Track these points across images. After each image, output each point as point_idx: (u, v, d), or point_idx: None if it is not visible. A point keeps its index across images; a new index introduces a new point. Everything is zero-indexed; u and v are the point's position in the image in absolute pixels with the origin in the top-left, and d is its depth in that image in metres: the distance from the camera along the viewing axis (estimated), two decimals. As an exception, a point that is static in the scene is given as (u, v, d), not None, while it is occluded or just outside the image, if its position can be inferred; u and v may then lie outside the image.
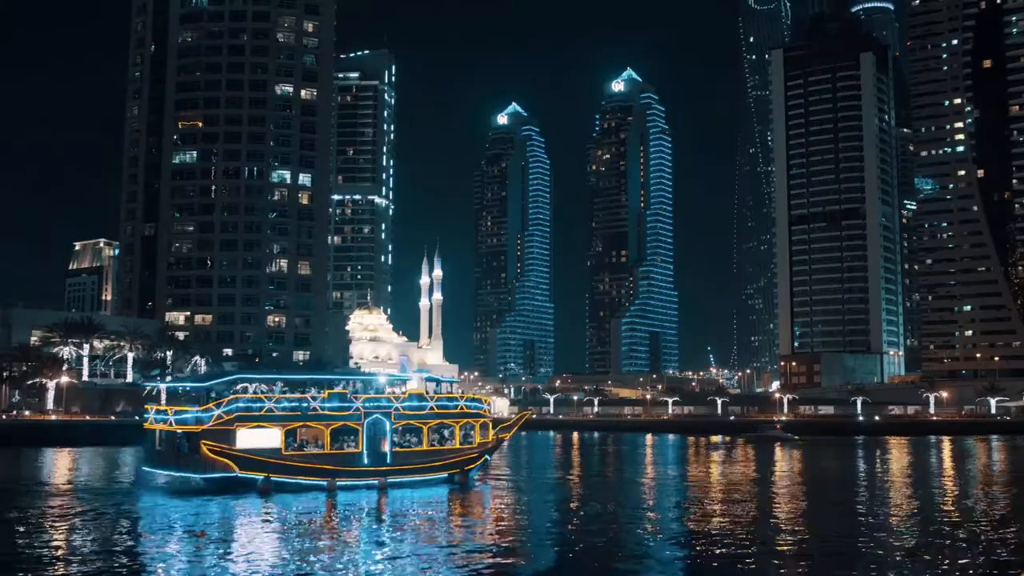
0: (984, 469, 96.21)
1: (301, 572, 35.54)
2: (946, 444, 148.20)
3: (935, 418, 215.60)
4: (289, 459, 59.89)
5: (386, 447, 63.28)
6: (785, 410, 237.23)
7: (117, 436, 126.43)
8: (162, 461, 62.55)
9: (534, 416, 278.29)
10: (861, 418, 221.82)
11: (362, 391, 66.33)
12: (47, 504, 55.74)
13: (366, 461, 62.37)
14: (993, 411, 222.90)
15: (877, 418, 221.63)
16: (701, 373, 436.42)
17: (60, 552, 39.51)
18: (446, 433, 66.58)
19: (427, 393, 69.34)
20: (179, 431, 60.55)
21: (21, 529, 45.76)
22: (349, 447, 62.16)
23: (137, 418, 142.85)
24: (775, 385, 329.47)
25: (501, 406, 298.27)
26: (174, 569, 36.92)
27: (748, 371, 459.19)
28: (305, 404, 62.18)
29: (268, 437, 59.91)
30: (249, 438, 59.41)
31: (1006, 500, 64.42)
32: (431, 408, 66.26)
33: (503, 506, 57.77)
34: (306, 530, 46.48)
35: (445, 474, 65.78)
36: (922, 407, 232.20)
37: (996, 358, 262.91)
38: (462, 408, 68.39)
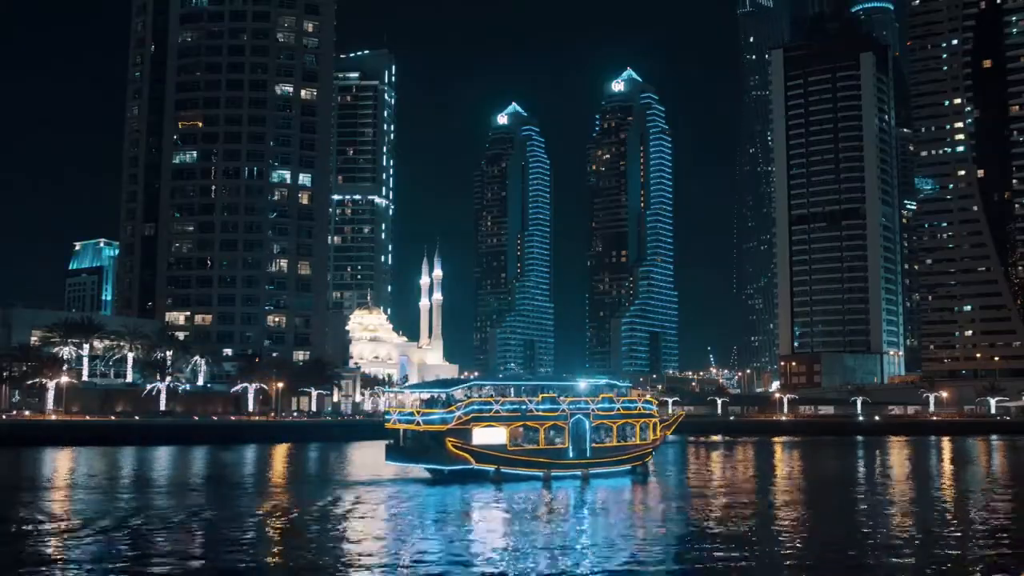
0: (984, 469, 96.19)
1: (529, 545, 42.68)
2: (946, 444, 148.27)
3: (935, 418, 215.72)
4: (514, 453, 71.31)
5: (586, 443, 74.70)
6: (785, 410, 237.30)
7: (117, 436, 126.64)
8: (408, 455, 73.17)
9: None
10: (861, 418, 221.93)
11: (556, 395, 77.01)
12: (347, 495, 62.95)
13: (571, 455, 73.72)
14: (993, 411, 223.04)
15: (877, 418, 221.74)
16: (701, 373, 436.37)
17: (358, 537, 45.30)
18: (629, 431, 78.43)
19: (614, 397, 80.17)
20: (426, 430, 70.92)
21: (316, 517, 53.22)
22: (558, 443, 73.46)
23: (137, 418, 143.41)
24: (775, 385, 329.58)
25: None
26: (434, 540, 44.37)
27: (748, 371, 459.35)
28: (524, 407, 73.38)
29: (497, 435, 71.16)
30: (482, 435, 70.57)
31: (1007, 501, 64.36)
32: (618, 409, 78.15)
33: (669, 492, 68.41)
34: (531, 511, 55.48)
35: (629, 465, 77.83)
36: (922, 407, 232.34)
37: (996, 358, 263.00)
38: (640, 409, 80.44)
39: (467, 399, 73.18)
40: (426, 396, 78.09)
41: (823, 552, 42.05)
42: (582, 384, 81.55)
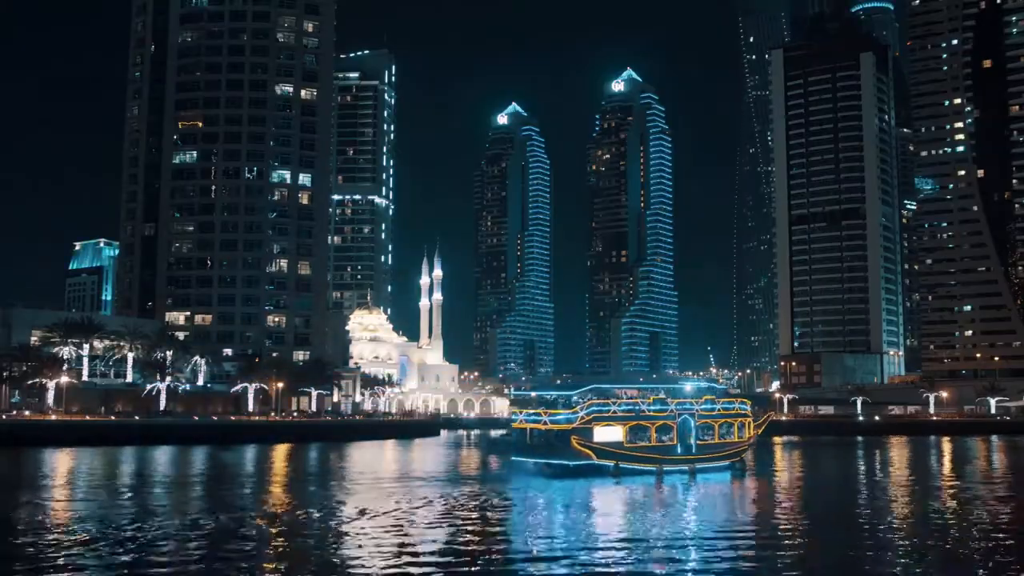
0: (985, 470, 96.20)
1: (645, 531, 48.36)
2: (946, 444, 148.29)
3: (935, 418, 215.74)
4: (630, 450, 78.07)
5: (692, 440, 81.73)
6: (785, 410, 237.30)
7: (117, 436, 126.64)
8: (535, 452, 79.15)
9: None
10: (861, 418, 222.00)
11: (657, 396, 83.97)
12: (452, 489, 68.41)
13: (679, 451, 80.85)
14: (993, 411, 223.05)
15: (877, 418, 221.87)
16: (701, 373, 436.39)
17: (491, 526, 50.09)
18: (728, 429, 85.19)
19: (715, 398, 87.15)
20: (552, 429, 77.61)
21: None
22: (667, 441, 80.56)
23: (137, 418, 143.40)
24: (775, 385, 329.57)
25: (501, 406, 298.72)
26: (565, 522, 51.91)
27: (748, 371, 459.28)
28: (637, 407, 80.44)
29: (615, 433, 77.91)
30: (602, 434, 77.26)
31: (1008, 501, 64.37)
32: (719, 410, 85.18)
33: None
34: (647, 501, 62.34)
35: (729, 461, 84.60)
36: (922, 407, 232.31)
37: (996, 358, 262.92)
38: (736, 410, 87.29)
39: (588, 401, 79.41)
40: (548, 397, 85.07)
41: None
42: (688, 387, 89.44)
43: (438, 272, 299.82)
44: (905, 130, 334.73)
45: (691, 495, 66.96)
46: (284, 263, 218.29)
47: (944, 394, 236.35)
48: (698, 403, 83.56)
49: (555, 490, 66.69)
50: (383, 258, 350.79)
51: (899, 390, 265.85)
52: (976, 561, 39.62)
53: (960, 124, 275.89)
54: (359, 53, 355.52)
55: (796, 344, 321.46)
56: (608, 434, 77.27)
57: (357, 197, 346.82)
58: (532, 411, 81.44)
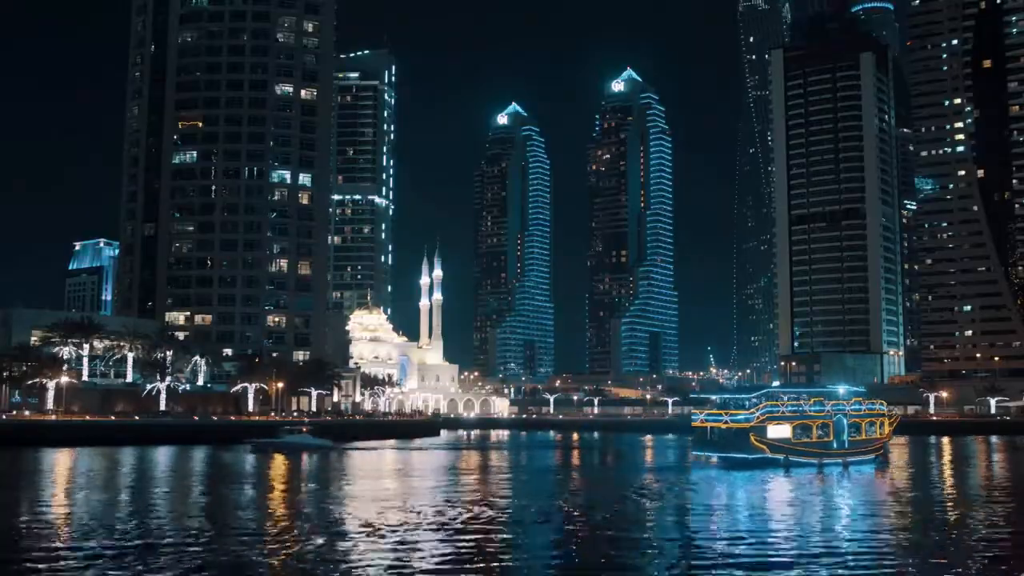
0: (985, 470, 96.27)
1: (810, 514, 54.89)
2: (946, 444, 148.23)
3: (935, 418, 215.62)
4: (795, 445, 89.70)
5: (844, 437, 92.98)
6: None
7: (117, 436, 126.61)
8: (715, 447, 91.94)
9: (535, 416, 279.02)
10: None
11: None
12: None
13: (834, 446, 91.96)
14: (993, 411, 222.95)
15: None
16: (701, 373, 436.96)
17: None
18: (872, 427, 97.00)
19: (861, 400, 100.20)
20: (732, 427, 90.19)
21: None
22: (825, 437, 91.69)
23: (137, 418, 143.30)
24: (775, 385, 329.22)
25: (501, 406, 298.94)
26: (745, 502, 62.46)
27: (748, 371, 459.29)
28: (801, 408, 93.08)
29: (784, 430, 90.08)
30: (774, 431, 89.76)
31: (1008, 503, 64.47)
32: (865, 410, 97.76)
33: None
34: (813, 488, 71.80)
35: (872, 455, 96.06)
36: (922, 407, 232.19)
37: (996, 358, 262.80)
38: (877, 411, 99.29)
39: (761, 403, 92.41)
40: (726, 400, 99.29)
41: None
42: (841, 390, 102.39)
43: (438, 272, 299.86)
44: (905, 130, 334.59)
45: (848, 482, 76.56)
46: (284, 263, 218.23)
47: (944, 394, 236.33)
48: (848, 404, 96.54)
49: (740, 478, 77.39)
50: (383, 258, 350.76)
51: (899, 390, 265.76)
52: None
53: (960, 124, 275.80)
54: (359, 53, 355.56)
55: (796, 344, 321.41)
56: (779, 431, 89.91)
57: (357, 197, 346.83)
58: (712, 412, 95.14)
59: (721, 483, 74.23)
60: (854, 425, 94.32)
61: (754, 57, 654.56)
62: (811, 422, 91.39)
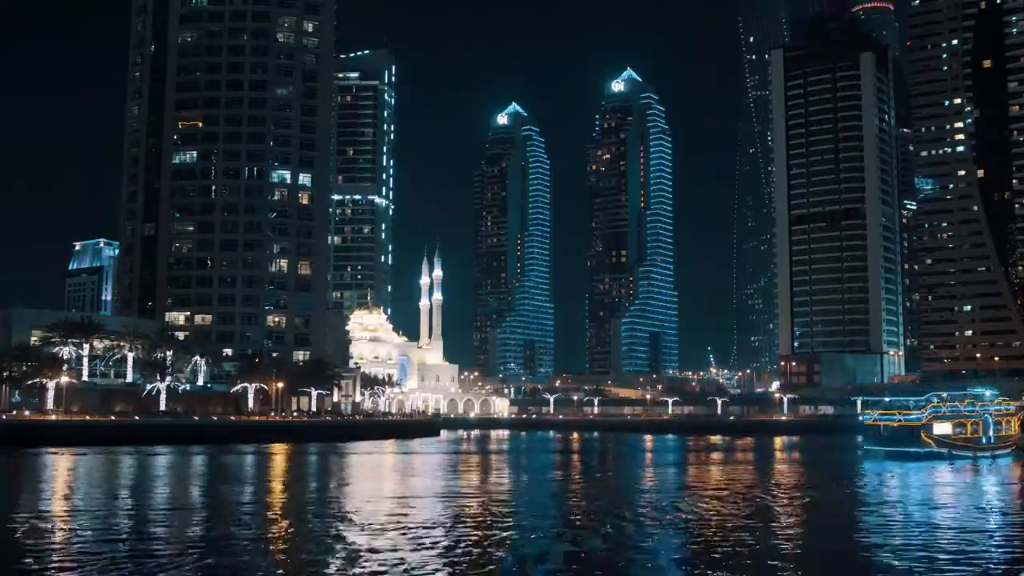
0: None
1: (970, 498, 65.63)
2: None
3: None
4: (955, 441, 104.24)
5: (991, 433, 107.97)
6: (785, 410, 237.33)
7: (117, 436, 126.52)
8: (887, 442, 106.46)
9: (535, 416, 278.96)
10: (861, 418, 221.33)
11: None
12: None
13: (984, 441, 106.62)
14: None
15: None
16: (701, 373, 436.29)
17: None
18: (1009, 424, 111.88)
19: (1001, 400, 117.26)
20: (904, 425, 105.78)
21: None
22: (977, 434, 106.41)
23: (137, 418, 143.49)
24: (775, 385, 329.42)
25: (501, 406, 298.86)
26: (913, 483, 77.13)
27: (748, 371, 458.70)
28: (958, 409, 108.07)
29: (946, 428, 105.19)
30: (938, 429, 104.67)
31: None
32: (1004, 409, 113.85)
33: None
34: (971, 475, 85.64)
35: (1010, 449, 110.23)
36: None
37: (996, 358, 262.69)
38: (1011, 410, 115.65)
39: (928, 403, 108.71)
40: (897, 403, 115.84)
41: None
42: (987, 393, 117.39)
43: (438, 272, 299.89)
44: (905, 130, 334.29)
45: (998, 472, 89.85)
46: (284, 263, 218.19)
47: (944, 394, 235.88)
48: (992, 404, 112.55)
49: (913, 468, 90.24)
50: (383, 258, 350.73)
51: (899, 390, 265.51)
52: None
53: (960, 124, 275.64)
54: (359, 53, 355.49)
55: (796, 344, 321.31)
56: (942, 429, 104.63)
57: (357, 197, 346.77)
58: (885, 412, 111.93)
59: (920, 473, 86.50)
60: (997, 423, 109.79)
61: (754, 57, 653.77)
62: (966, 420, 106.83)
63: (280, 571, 37.19)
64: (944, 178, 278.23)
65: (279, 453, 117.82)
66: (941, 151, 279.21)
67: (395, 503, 59.38)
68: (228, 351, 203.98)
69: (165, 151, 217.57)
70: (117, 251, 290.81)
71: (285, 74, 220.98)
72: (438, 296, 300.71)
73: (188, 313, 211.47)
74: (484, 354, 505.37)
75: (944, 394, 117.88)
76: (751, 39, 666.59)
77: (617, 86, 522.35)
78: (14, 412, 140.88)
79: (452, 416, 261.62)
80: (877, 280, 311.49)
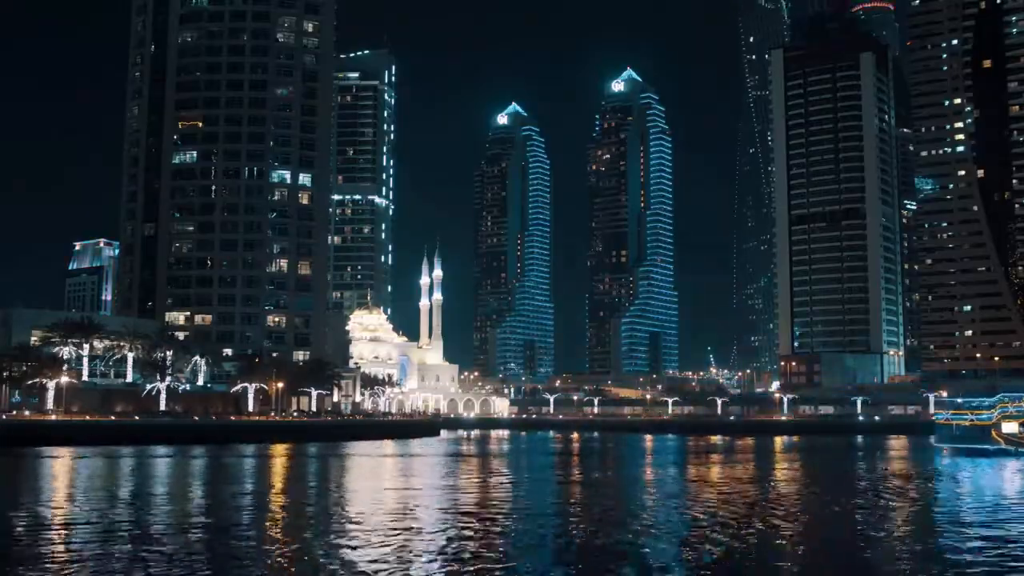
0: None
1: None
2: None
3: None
4: (1021, 438, 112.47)
5: None
6: (785, 410, 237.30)
7: (117, 436, 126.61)
8: (960, 440, 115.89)
9: (535, 416, 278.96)
10: (861, 418, 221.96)
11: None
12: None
13: None
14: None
15: (877, 418, 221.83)
16: (701, 373, 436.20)
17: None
18: None
19: None
20: (975, 424, 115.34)
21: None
22: None
23: (137, 418, 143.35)
24: (775, 385, 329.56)
25: (501, 406, 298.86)
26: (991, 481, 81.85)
27: (748, 371, 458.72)
28: (1021, 409, 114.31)
29: (1013, 427, 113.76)
30: (1007, 427, 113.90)
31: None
32: None
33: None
34: None
35: None
36: (922, 407, 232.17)
37: (996, 358, 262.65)
38: None
39: (999, 403, 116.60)
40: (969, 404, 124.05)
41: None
42: None
43: (438, 272, 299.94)
44: (905, 130, 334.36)
45: None
46: (284, 263, 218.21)
47: (944, 394, 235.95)
48: None
49: (985, 463, 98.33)
50: (383, 258, 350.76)
51: (899, 390, 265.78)
52: None
53: (960, 124, 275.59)
54: (359, 53, 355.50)
55: (796, 344, 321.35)
56: (1010, 427, 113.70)
57: (357, 197, 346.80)
58: (957, 411, 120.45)
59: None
60: None
61: (754, 57, 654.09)
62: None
63: (280, 571, 37.21)
64: (944, 178, 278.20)
65: (279, 453, 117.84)
66: (941, 151, 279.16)
67: (395, 503, 59.38)
68: (228, 351, 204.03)
69: (165, 151, 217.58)
70: (117, 251, 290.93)
71: (285, 74, 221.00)
72: (438, 296, 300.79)
73: (188, 313, 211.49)
74: (484, 354, 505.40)
75: (1014, 395, 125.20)
76: (751, 39, 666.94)
77: (617, 86, 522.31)
78: (14, 412, 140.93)
79: (452, 416, 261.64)
80: (877, 280, 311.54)
